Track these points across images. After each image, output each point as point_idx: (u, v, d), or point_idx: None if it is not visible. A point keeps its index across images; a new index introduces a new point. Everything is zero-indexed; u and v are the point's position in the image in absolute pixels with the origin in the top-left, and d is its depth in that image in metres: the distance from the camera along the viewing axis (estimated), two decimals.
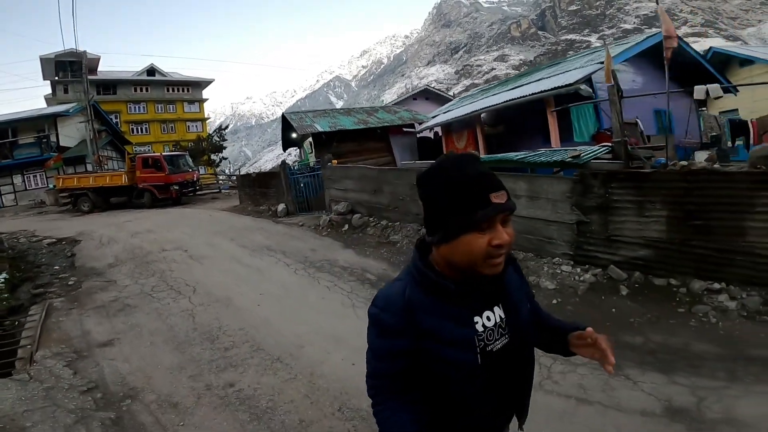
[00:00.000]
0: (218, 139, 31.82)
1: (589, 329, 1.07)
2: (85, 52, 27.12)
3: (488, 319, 1.03)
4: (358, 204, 8.46)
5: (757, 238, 3.79)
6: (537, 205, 5.05)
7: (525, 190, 5.03)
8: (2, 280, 6.36)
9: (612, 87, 5.51)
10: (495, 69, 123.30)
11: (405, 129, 14.39)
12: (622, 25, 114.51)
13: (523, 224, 5.06)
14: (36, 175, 25.12)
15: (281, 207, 11.46)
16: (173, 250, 8.17)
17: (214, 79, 49.21)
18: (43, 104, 39.34)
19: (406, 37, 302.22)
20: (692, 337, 3.41)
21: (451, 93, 41.85)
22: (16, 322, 4.73)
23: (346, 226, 8.20)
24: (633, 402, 2.65)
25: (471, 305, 1.01)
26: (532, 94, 9.40)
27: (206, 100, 48.14)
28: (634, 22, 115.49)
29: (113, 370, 3.49)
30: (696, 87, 6.76)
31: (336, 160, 12.37)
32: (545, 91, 9.04)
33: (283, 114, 15.72)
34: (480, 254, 0.91)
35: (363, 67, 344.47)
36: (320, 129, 13.52)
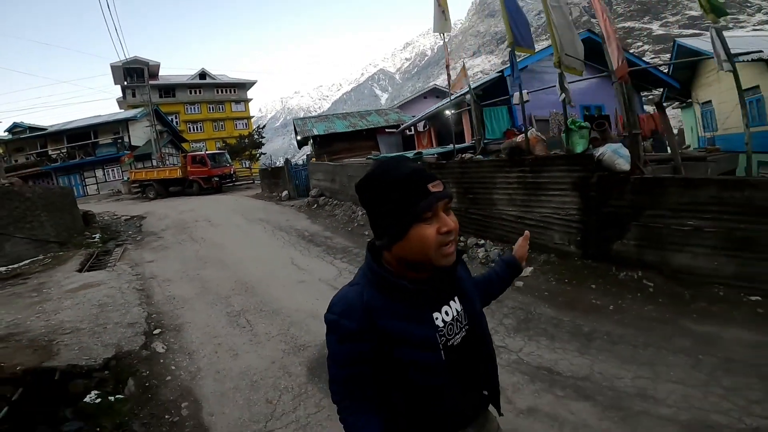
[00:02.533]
0: (257, 137, 36.37)
1: (526, 234, 1.47)
2: (146, 66, 32.45)
3: (446, 314, 1.05)
4: (325, 189, 11.91)
5: (503, 206, 6.54)
6: None
7: None
8: (98, 237, 10.45)
9: (468, 93, 8.34)
10: None
11: (390, 129, 17.51)
12: (687, 12, 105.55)
13: None
14: (113, 170, 30.71)
15: (285, 193, 15.15)
16: (202, 221, 12.02)
17: (257, 80, 54.35)
18: (116, 106, 46.02)
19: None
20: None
21: None
22: (108, 252, 8.63)
23: (315, 205, 11.67)
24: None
25: (429, 303, 1.03)
26: (443, 104, 12.16)
27: (251, 100, 53.30)
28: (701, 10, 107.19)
29: (149, 270, 7.11)
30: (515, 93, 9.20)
31: (332, 156, 15.86)
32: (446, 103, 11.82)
33: (293, 120, 19.48)
34: (432, 244, 0.93)
35: (407, 59, 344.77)
36: (317, 132, 17.11)
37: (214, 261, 7.37)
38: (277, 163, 28.16)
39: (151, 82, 41.03)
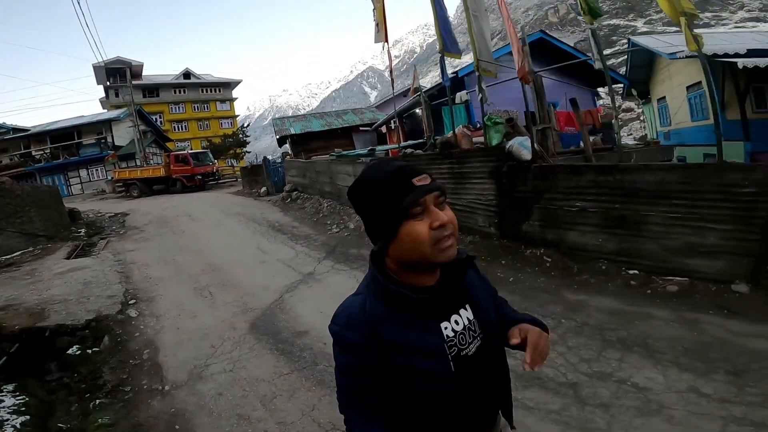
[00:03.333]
0: (242, 136, 36.90)
1: (522, 327, 1.03)
2: (129, 67, 32.73)
3: (456, 323, 1.00)
4: (298, 185, 12.71)
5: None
6: (348, 177, 9.03)
7: (350, 170, 9.02)
8: (84, 232, 11.12)
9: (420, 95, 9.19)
10: None
11: (364, 127, 18.34)
12: None
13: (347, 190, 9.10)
14: (97, 169, 31.03)
15: (263, 189, 15.90)
16: (183, 216, 12.73)
17: (242, 80, 54.60)
18: (99, 106, 46.04)
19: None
20: None
21: None
22: (93, 245, 9.34)
23: (289, 199, 12.46)
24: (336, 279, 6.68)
25: (435, 312, 0.98)
26: (403, 105, 13.00)
27: (236, 99, 53.63)
28: None
29: (130, 257, 7.86)
30: (458, 93, 10.11)
31: (309, 154, 16.62)
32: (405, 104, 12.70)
33: (272, 120, 20.22)
34: (426, 241, 0.89)
35: (396, 56, 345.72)
36: (294, 131, 17.90)
37: (190, 249, 8.14)
38: (256, 161, 28.90)
39: (134, 82, 41.21)
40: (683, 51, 10.82)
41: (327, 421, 2.63)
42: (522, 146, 5.49)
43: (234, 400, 3.00)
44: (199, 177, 21.67)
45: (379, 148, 10.35)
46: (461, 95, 11.23)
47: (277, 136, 18.52)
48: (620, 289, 4.29)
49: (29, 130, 31.71)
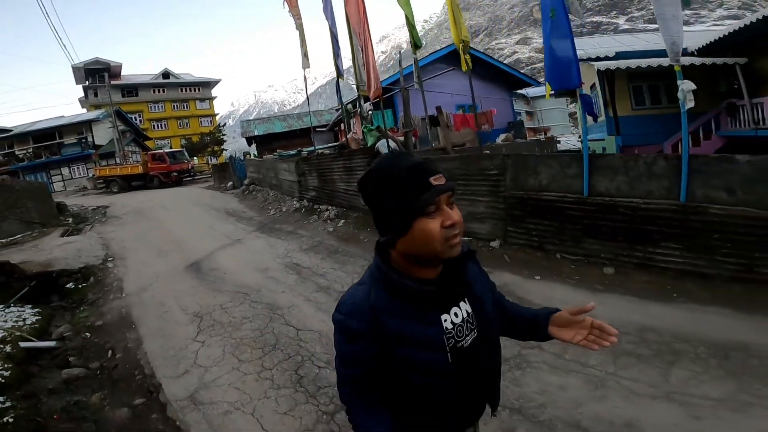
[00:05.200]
0: (219, 135, 38.84)
1: (580, 308, 1.08)
2: (108, 67, 34.29)
3: (456, 315, 1.03)
4: (255, 179, 15.06)
5: (339, 184, 9.73)
6: (288, 172, 11.41)
7: (285, 168, 11.41)
8: (71, 221, 13.31)
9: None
10: (517, 52, 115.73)
11: (321, 128, 20.68)
12: (651, 7, 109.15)
13: (286, 183, 11.46)
14: (78, 167, 32.73)
15: (230, 184, 18.17)
16: (158, 207, 14.94)
17: (221, 79, 56.16)
18: (78, 106, 47.18)
19: (426, 21, 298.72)
20: (316, 229, 9.68)
21: None
22: (80, 229, 11.57)
23: (246, 191, 14.80)
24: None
25: (436, 304, 1.01)
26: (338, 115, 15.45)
27: (215, 98, 55.17)
28: None
29: (111, 236, 10.11)
30: (365, 104, 12.57)
31: (272, 153, 18.90)
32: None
33: (240, 122, 22.53)
34: (437, 238, 0.92)
35: (382, 52, 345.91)
36: (257, 133, 20.24)
37: (159, 229, 10.46)
38: (236, 157, 31.10)
39: (113, 82, 42.66)
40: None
41: (205, 304, 5.00)
42: (382, 146, 7.95)
43: (159, 298, 5.42)
44: (175, 174, 23.78)
45: (305, 149, 12.75)
46: (367, 106, 13.69)
47: (243, 137, 20.79)
48: None
49: (12, 130, 33.17)
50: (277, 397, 3.03)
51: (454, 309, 1.04)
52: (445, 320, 1.01)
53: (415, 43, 7.28)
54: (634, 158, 4.93)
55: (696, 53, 12.84)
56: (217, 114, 56.06)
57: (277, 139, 20.20)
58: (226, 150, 41.21)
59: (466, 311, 1.06)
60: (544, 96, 22.27)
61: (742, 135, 10.84)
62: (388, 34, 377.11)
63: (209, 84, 54.63)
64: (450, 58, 15.87)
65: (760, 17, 8.79)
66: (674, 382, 2.72)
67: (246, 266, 6.38)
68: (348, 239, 7.47)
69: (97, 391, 3.60)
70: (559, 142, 17.05)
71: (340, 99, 9.38)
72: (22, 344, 4.37)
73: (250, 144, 22.70)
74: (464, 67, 6.48)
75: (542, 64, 12.33)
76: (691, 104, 4.40)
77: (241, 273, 6.06)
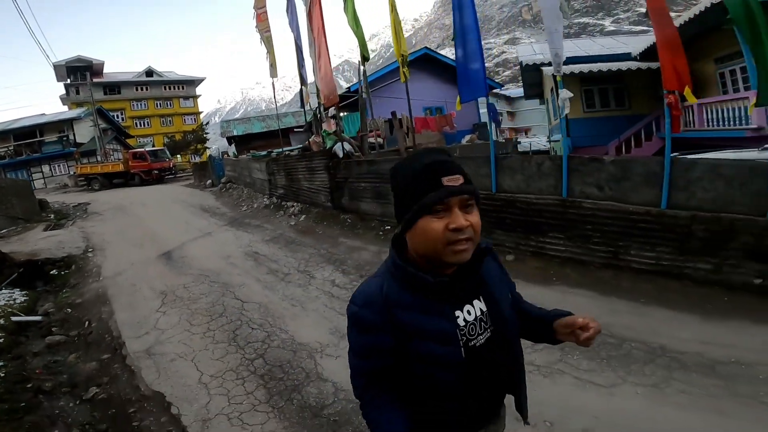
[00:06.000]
0: (202, 133, 39.27)
1: (574, 318, 1.07)
2: (90, 65, 34.44)
3: (468, 313, 1.02)
4: (231, 177, 15.86)
5: (303, 182, 10.58)
6: (260, 171, 12.26)
7: (258, 167, 12.26)
8: (53, 217, 13.94)
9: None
10: (506, 52, 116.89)
11: (298, 128, 21.49)
12: (637, 9, 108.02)
13: (259, 181, 12.30)
14: (59, 165, 32.99)
15: (209, 182, 18.88)
16: (138, 204, 15.62)
17: (206, 77, 56.34)
18: (59, 102, 47.00)
19: (416, 20, 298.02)
20: (280, 223, 10.54)
21: None
22: (62, 225, 12.24)
23: (223, 189, 15.58)
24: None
25: (450, 299, 1.01)
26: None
27: (199, 96, 55.30)
28: None
29: (91, 230, 10.84)
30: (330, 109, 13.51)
31: (250, 152, 19.65)
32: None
33: (220, 122, 23.22)
34: (438, 239, 0.91)
35: (372, 50, 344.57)
36: (236, 133, 20.99)
37: (137, 224, 11.22)
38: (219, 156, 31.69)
39: (95, 80, 42.73)
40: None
41: (170, 284, 5.86)
42: (338, 148, 8.86)
43: (132, 281, 6.27)
44: (156, 172, 24.33)
45: (275, 150, 13.61)
46: (332, 111, 14.54)
47: (223, 138, 21.50)
48: (376, 236, 7.61)
49: None
50: (213, 349, 3.95)
51: (467, 306, 1.03)
52: (458, 317, 1.01)
53: (364, 56, 8.18)
54: (528, 159, 5.93)
55: (638, 58, 13.98)
56: (202, 112, 56.23)
57: (256, 138, 20.95)
58: (209, 148, 41.58)
59: (480, 309, 1.05)
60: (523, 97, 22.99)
61: (675, 136, 12.00)
62: (378, 32, 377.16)
63: (193, 82, 54.79)
64: (420, 62, 16.88)
65: (683, 21, 9.61)
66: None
67: (211, 254, 7.24)
68: (305, 232, 8.37)
69: (74, 352, 4.45)
70: (519, 142, 18.10)
71: (302, 106, 10.24)
72: (13, 318, 5.19)
73: (230, 143, 23.39)
74: (402, 79, 7.40)
75: None
76: (567, 111, 5.36)
77: (206, 259, 6.93)
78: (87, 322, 5.07)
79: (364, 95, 8.38)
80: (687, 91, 4.36)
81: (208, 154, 39.24)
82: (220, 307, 4.88)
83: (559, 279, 4.89)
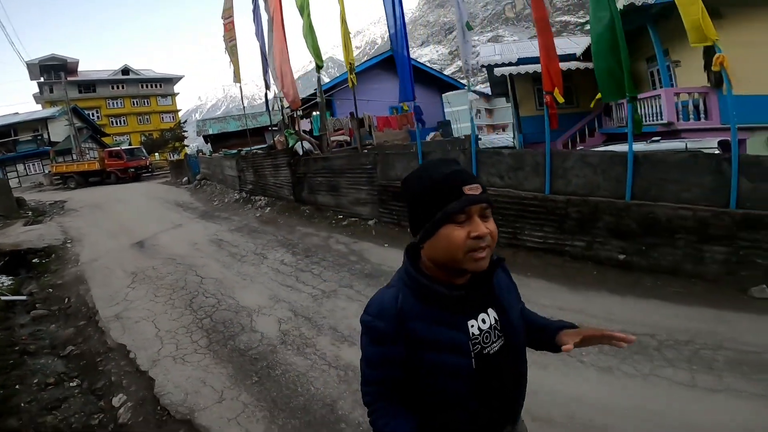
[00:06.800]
0: (180, 131, 39.49)
1: (576, 331, 1.13)
2: (65, 63, 34.26)
3: (483, 321, 1.04)
4: (206, 174, 16.59)
5: (271, 178, 11.46)
6: (231, 168, 13.06)
7: (229, 164, 13.05)
8: (31, 214, 14.46)
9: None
10: None
11: (274, 127, 22.26)
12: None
13: (230, 178, 13.11)
14: (34, 164, 32.92)
15: (185, 179, 19.49)
16: (114, 201, 16.19)
17: (184, 75, 56.15)
18: (32, 101, 46.45)
19: None
20: (247, 215, 11.37)
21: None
22: (41, 221, 12.83)
23: (198, 186, 16.29)
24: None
25: (464, 309, 1.03)
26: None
27: (177, 94, 55.13)
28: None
29: (69, 224, 11.49)
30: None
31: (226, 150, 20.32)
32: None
33: (196, 122, 23.83)
34: (460, 247, 0.93)
35: (356, 47, 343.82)
36: (211, 132, 21.64)
37: (113, 219, 11.92)
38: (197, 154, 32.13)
39: (70, 78, 42.38)
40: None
41: (141, 266, 6.71)
42: (298, 147, 9.77)
43: (107, 264, 7.09)
44: (132, 170, 24.73)
45: (245, 149, 14.43)
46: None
47: (199, 136, 22.11)
48: (334, 224, 8.54)
49: None
50: (171, 313, 4.86)
51: (482, 315, 1.05)
52: (472, 326, 1.02)
53: (318, 65, 9.09)
54: (445, 153, 6.96)
55: (581, 58, 15.17)
56: (180, 110, 56.07)
57: (231, 137, 21.61)
58: (188, 146, 41.80)
59: (494, 318, 1.07)
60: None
61: (612, 132, 13.22)
62: (363, 29, 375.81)
63: (171, 80, 54.60)
64: (386, 63, 17.85)
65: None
66: None
67: (180, 242, 8.09)
68: (268, 222, 9.27)
69: (55, 322, 5.30)
70: (480, 138, 19.19)
71: (267, 109, 11.13)
72: (2, 297, 5.99)
73: (207, 142, 23.96)
74: (350, 84, 8.34)
75: None
76: (474, 111, 6.40)
77: (175, 246, 7.78)
78: (66, 299, 5.89)
79: (318, 99, 9.28)
80: (556, 92, 5.40)
81: (185, 152, 39.67)
82: (182, 282, 5.78)
83: None
